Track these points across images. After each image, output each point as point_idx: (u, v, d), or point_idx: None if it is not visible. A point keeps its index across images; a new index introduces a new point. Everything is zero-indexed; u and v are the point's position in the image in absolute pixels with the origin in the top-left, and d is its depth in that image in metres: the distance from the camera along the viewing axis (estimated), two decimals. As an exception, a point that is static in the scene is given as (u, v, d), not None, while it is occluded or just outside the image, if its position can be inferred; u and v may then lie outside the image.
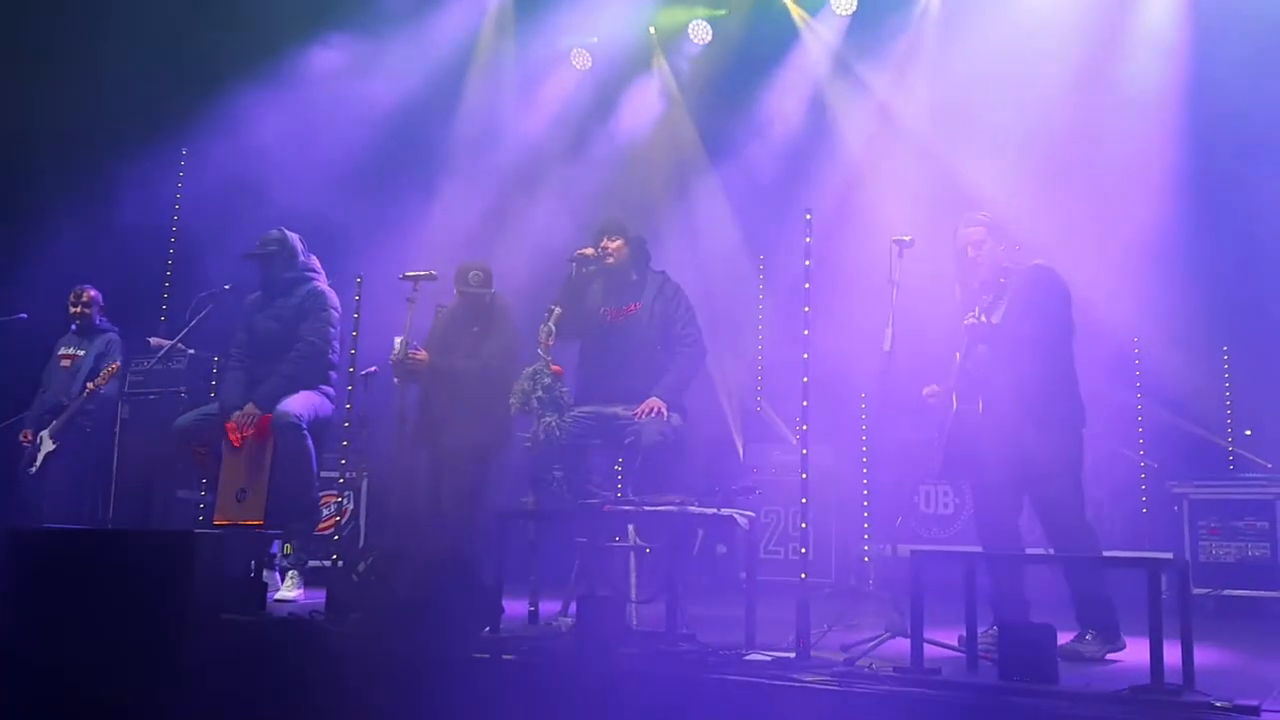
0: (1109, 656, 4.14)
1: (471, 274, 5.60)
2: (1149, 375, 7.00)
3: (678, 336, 5.15)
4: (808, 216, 4.25)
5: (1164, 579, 4.16)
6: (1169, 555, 3.81)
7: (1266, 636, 5.23)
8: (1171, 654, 3.33)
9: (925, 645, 3.63)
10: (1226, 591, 6.18)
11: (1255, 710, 2.89)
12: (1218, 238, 6.82)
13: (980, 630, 3.86)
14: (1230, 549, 6.27)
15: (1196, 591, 6.17)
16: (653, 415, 4.83)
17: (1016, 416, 4.36)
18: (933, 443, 7.20)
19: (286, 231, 5.79)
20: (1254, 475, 6.53)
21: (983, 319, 4.47)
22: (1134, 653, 4.04)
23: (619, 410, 4.96)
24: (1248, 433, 7.04)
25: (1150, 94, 7.00)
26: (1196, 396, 6.99)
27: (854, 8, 7.88)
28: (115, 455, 6.88)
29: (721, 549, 7.22)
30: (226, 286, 6.31)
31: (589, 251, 5.16)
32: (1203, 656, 3.83)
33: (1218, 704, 2.93)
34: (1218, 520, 6.33)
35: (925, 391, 4.72)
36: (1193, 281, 6.86)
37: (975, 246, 4.59)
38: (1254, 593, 6.15)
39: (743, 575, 4.52)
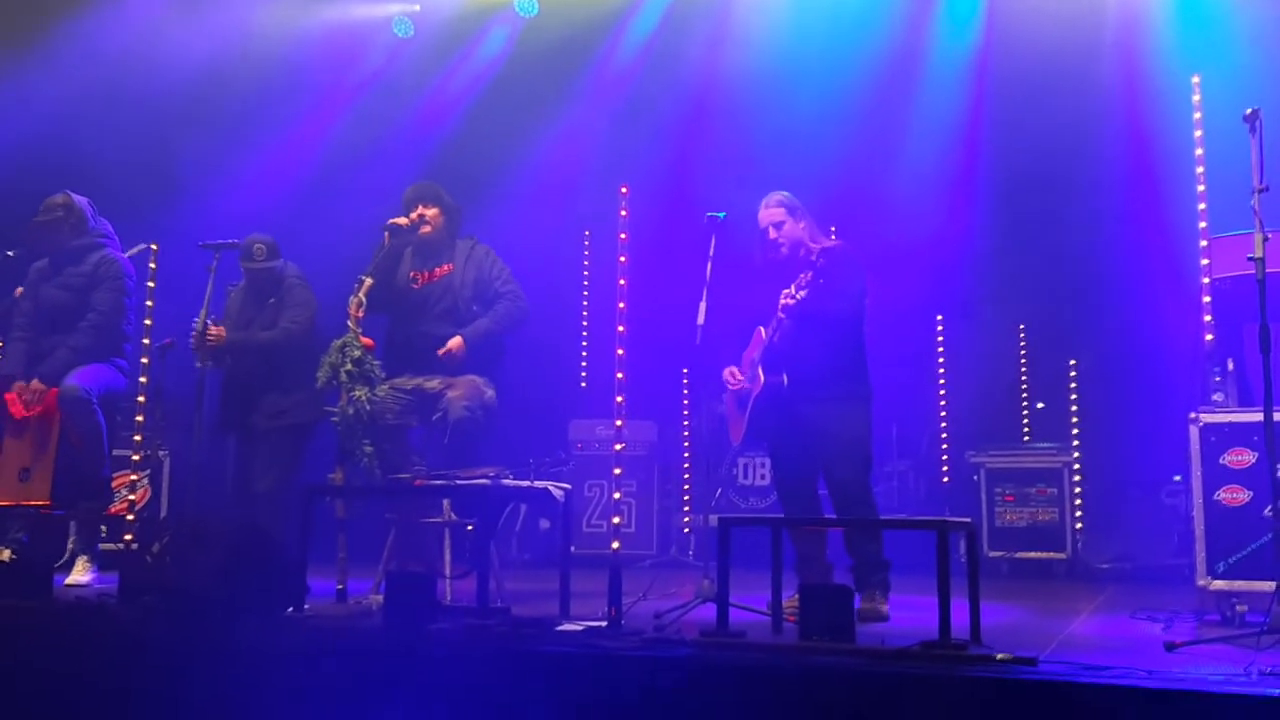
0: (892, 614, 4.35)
1: (255, 248, 5.41)
2: (950, 350, 7.33)
3: (497, 294, 5.04)
4: (623, 190, 4.34)
5: (960, 542, 4.39)
6: (968, 520, 3.98)
7: (1052, 595, 5.54)
8: (965, 613, 3.50)
9: (733, 610, 3.70)
10: (1018, 554, 6.58)
11: (1033, 661, 3.04)
12: (1019, 222, 7.19)
13: (789, 595, 3.96)
14: (1022, 514, 6.65)
15: (991, 554, 6.54)
16: (454, 353, 4.78)
17: (814, 392, 4.52)
18: (733, 415, 7.42)
19: (73, 195, 5.44)
20: (1045, 445, 6.93)
21: (799, 295, 4.55)
22: (928, 611, 4.23)
23: (432, 383, 4.86)
24: (1040, 405, 7.47)
25: (956, 80, 7.30)
26: (993, 371, 7.37)
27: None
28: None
29: (545, 524, 7.20)
30: (10, 253, 5.86)
31: (403, 221, 5.01)
32: (993, 614, 4.05)
33: (999, 657, 3.08)
34: (1012, 487, 6.71)
35: (744, 360, 4.79)
36: (990, 263, 7.23)
37: (775, 228, 4.69)
38: (1043, 554, 6.55)
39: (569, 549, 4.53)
